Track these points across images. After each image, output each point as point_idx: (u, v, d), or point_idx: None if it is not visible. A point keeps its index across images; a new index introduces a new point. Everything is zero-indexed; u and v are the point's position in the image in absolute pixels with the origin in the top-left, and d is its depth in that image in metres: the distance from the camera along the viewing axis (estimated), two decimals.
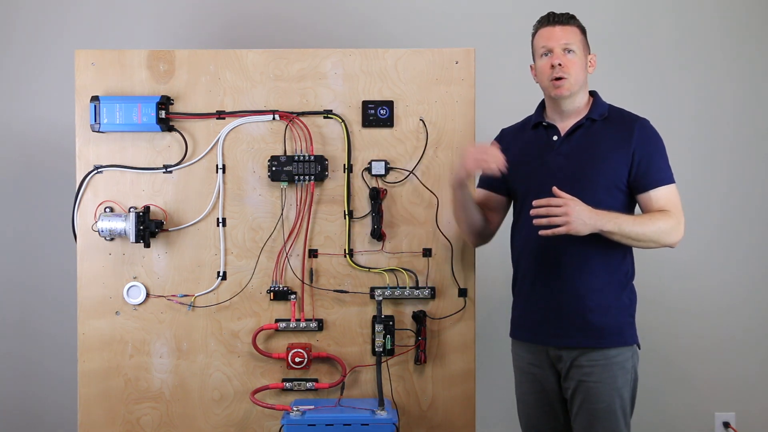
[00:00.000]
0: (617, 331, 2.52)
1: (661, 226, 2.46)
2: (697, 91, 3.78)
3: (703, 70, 3.78)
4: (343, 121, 2.87)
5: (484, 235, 2.77)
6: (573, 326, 2.52)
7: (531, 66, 2.65)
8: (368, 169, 2.88)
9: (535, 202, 2.43)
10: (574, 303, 2.52)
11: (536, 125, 2.66)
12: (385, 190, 2.88)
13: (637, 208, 2.61)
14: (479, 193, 2.78)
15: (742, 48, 3.79)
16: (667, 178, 2.53)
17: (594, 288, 2.52)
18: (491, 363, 3.61)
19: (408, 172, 2.88)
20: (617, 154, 2.52)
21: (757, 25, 3.80)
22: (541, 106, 2.69)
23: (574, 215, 2.37)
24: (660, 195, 2.51)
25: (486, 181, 2.76)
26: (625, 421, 2.53)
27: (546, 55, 2.55)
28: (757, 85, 3.79)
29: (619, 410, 2.51)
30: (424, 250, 2.89)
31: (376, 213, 2.85)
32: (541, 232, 2.41)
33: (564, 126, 2.60)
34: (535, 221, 2.41)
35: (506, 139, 2.75)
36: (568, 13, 2.58)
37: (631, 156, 2.51)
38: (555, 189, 2.42)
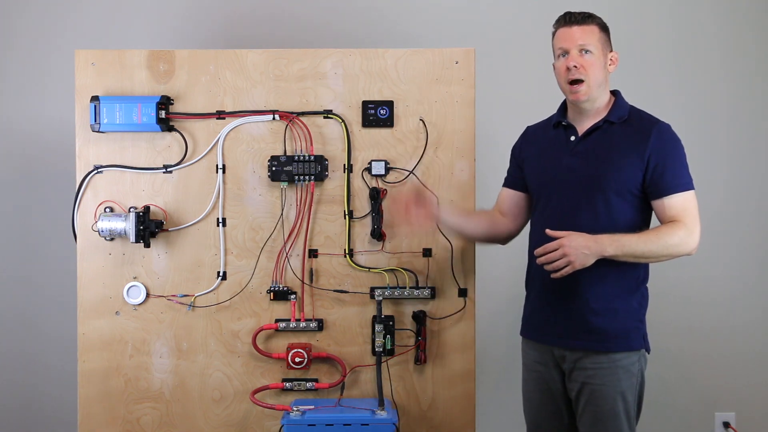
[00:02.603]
0: (623, 335, 2.50)
1: (667, 240, 2.42)
2: (690, 92, 3.78)
3: (697, 69, 3.78)
4: (343, 121, 2.87)
5: (501, 239, 2.77)
6: (577, 328, 2.52)
7: (553, 65, 2.61)
8: (368, 169, 2.88)
9: (536, 252, 2.47)
10: (579, 305, 2.51)
11: (557, 124, 2.64)
12: (385, 190, 2.88)
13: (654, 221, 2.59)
14: (506, 192, 2.75)
15: (736, 47, 3.79)
16: (682, 185, 2.46)
17: (600, 291, 2.50)
18: (491, 363, 3.61)
19: (408, 172, 2.88)
20: (631, 158, 2.47)
21: (751, 24, 3.80)
22: (564, 105, 2.66)
23: (573, 252, 2.38)
24: (673, 202, 2.45)
25: (509, 181, 2.76)
26: (629, 425, 2.50)
27: (563, 56, 2.52)
28: (751, 85, 3.79)
29: (622, 413, 2.49)
30: (424, 250, 2.89)
31: (376, 213, 2.85)
32: (553, 275, 2.43)
33: (582, 127, 2.57)
34: (546, 267, 2.44)
35: (529, 136, 2.75)
36: (585, 12, 2.52)
37: (646, 161, 2.46)
38: (548, 231, 2.44)
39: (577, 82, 2.49)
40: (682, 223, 2.44)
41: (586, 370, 2.51)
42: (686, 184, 2.48)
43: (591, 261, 2.40)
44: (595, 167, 2.51)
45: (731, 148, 3.80)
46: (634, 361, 2.51)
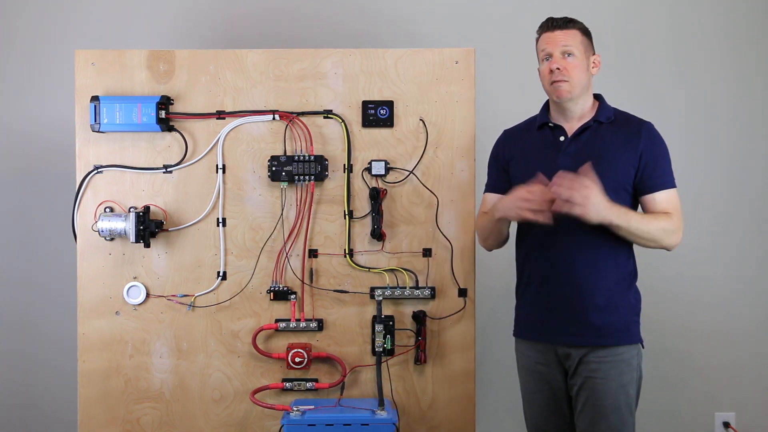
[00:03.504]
0: (624, 329, 2.56)
1: (665, 226, 2.52)
2: (690, 92, 3.78)
3: (696, 70, 3.79)
4: (343, 121, 2.87)
5: (503, 243, 2.79)
6: (582, 325, 2.54)
7: (539, 70, 2.65)
8: (368, 169, 2.88)
9: (560, 174, 2.41)
10: (583, 302, 2.54)
11: (542, 126, 2.67)
12: (385, 190, 2.88)
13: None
14: (492, 198, 2.75)
15: (735, 48, 3.79)
16: (669, 182, 2.57)
17: (602, 287, 2.54)
18: (491, 363, 3.61)
19: (408, 172, 2.88)
20: (624, 156, 2.55)
21: (750, 26, 3.80)
22: (546, 108, 2.69)
23: (592, 200, 2.39)
24: (663, 198, 2.55)
25: (495, 186, 2.76)
26: (631, 419, 2.56)
27: (547, 59, 2.58)
28: (751, 85, 3.80)
29: (624, 407, 2.53)
30: (424, 250, 2.89)
31: (376, 213, 2.85)
32: (553, 208, 2.41)
33: (570, 127, 2.61)
34: (554, 190, 2.40)
35: (510, 139, 2.76)
36: (566, 17, 2.60)
37: (638, 158, 2.54)
38: (585, 167, 2.42)
39: (560, 82, 2.55)
40: (672, 216, 2.54)
41: (589, 364, 2.54)
42: (672, 182, 2.59)
43: (594, 219, 2.41)
44: (591, 165, 2.52)
45: (731, 148, 3.80)
46: (634, 354, 2.57)
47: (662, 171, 2.56)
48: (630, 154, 2.54)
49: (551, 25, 2.59)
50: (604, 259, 2.53)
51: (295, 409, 2.65)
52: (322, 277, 2.89)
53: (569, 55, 2.55)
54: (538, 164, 2.62)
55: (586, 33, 2.61)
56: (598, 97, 2.66)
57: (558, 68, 2.54)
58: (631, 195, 2.57)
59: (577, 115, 2.61)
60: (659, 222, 2.51)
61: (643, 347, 2.61)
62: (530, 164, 2.64)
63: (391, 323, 2.86)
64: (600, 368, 2.52)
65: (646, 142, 2.55)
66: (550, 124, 2.64)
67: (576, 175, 2.42)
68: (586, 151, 2.56)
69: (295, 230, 2.88)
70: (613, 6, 3.78)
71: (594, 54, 2.62)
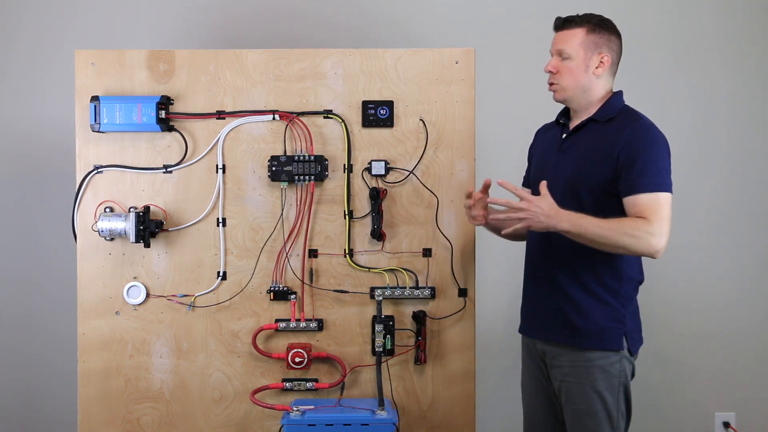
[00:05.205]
0: (598, 334, 2.46)
1: (625, 230, 2.34)
2: (690, 92, 3.78)
3: (696, 70, 3.79)
4: (343, 121, 2.87)
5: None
6: (554, 323, 2.53)
7: None
8: (368, 169, 2.88)
9: (498, 201, 2.49)
10: (555, 299, 2.53)
11: (557, 122, 2.69)
12: (385, 190, 2.88)
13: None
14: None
15: (735, 48, 3.80)
16: (651, 185, 2.38)
17: (577, 287, 2.49)
18: (491, 363, 3.61)
19: (408, 172, 2.88)
20: (602, 155, 2.46)
21: (750, 26, 3.80)
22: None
23: (532, 210, 2.38)
24: (639, 201, 2.38)
25: (526, 180, 2.78)
26: (611, 424, 2.47)
27: None
28: (751, 85, 3.80)
29: (601, 412, 2.46)
30: (424, 250, 2.89)
31: (376, 213, 2.85)
32: (504, 232, 2.50)
33: (573, 125, 2.61)
34: (493, 217, 2.55)
35: (539, 135, 2.79)
36: (570, 16, 2.55)
37: (616, 158, 2.43)
38: (503, 182, 2.48)
39: (552, 85, 2.57)
40: (647, 220, 2.35)
41: (563, 368, 2.52)
42: (658, 185, 2.39)
43: (540, 229, 2.41)
44: (574, 165, 2.53)
45: (731, 148, 3.80)
46: (614, 361, 2.46)
47: (641, 173, 2.38)
48: (608, 153, 2.44)
49: (554, 25, 2.59)
50: (584, 260, 2.46)
51: (295, 409, 2.65)
52: (322, 277, 2.89)
53: (565, 58, 2.53)
54: (542, 161, 2.66)
55: (593, 30, 2.52)
56: (616, 93, 2.58)
57: (550, 71, 2.56)
58: (613, 195, 2.45)
59: (581, 113, 2.58)
60: (622, 227, 2.34)
61: (632, 354, 2.49)
62: (538, 161, 2.70)
63: (391, 323, 2.86)
64: (572, 372, 2.49)
65: (625, 143, 2.42)
66: (561, 122, 2.66)
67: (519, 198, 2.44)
68: (574, 149, 2.56)
69: (295, 230, 2.88)
70: (613, 6, 3.76)
71: (601, 53, 2.51)
